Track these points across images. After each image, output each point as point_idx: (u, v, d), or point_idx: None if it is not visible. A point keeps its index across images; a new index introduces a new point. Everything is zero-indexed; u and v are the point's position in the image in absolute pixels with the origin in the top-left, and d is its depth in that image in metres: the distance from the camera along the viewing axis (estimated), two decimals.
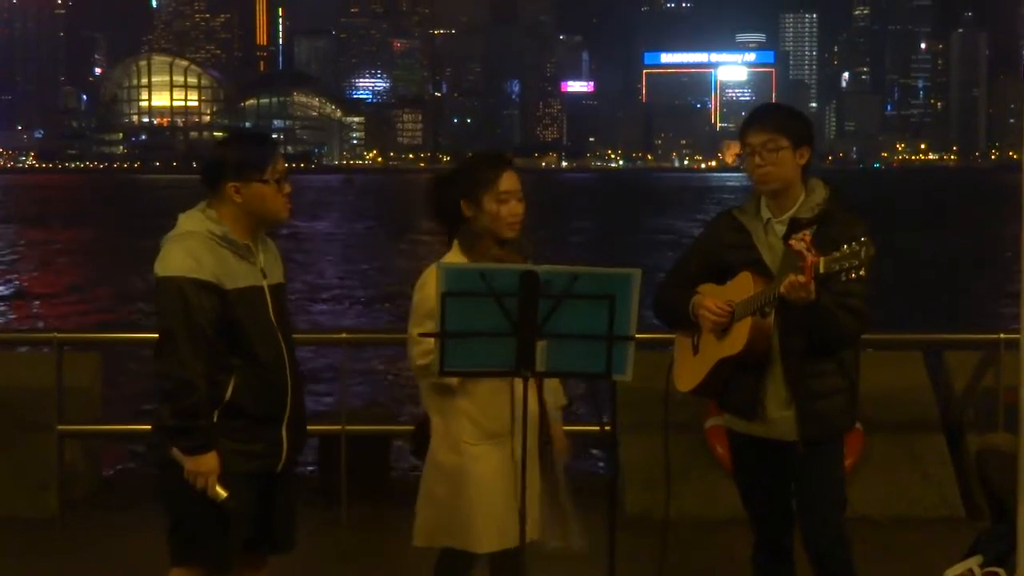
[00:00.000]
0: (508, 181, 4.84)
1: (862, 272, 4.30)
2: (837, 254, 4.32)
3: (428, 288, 4.71)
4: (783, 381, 4.75)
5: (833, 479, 4.88)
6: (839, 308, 4.60)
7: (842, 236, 4.46)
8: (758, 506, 5.03)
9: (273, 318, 4.64)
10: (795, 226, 4.70)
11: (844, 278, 4.33)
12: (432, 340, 4.64)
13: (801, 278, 4.37)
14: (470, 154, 5.31)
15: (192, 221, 4.59)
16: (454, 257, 4.87)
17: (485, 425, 4.78)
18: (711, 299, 4.79)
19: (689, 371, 4.98)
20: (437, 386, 4.80)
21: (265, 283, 4.65)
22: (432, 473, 4.89)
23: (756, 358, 4.72)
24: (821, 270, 4.35)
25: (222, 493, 4.49)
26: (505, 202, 4.82)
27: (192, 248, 4.48)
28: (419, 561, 5.04)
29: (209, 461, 4.46)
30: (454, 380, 4.71)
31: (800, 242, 4.39)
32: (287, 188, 4.64)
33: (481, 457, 4.77)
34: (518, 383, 4.64)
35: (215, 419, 4.51)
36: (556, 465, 4.92)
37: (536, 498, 4.74)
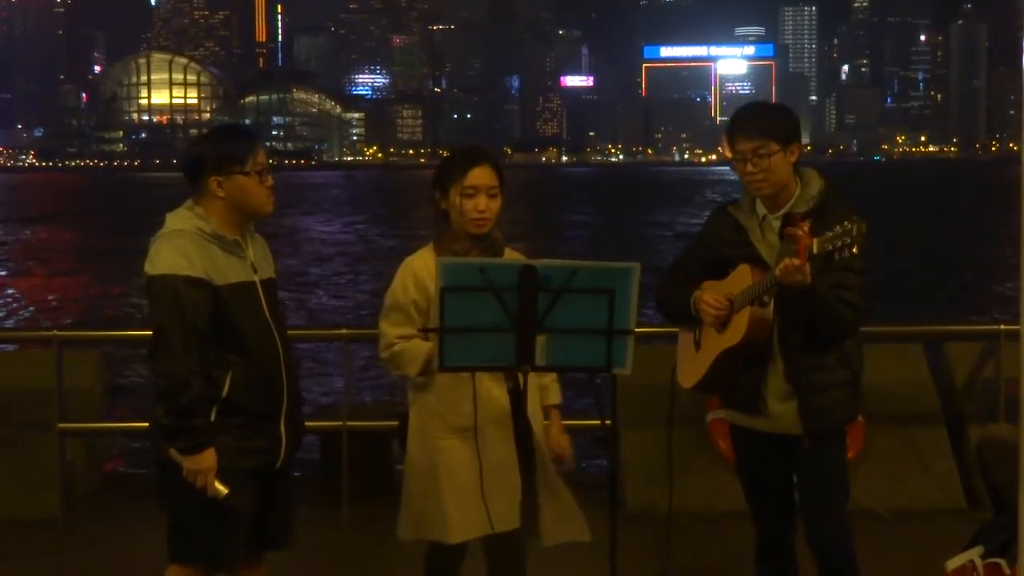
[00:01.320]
0: (477, 176, 4.78)
1: (855, 249, 4.28)
2: (830, 234, 4.31)
3: (395, 281, 4.85)
4: (783, 375, 4.74)
5: (836, 472, 4.87)
6: (836, 300, 4.59)
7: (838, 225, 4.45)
8: (761, 500, 5.02)
9: (267, 313, 4.64)
10: (790, 221, 4.68)
11: (838, 256, 4.32)
12: (391, 334, 4.71)
13: (796, 260, 4.35)
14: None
15: (180, 219, 4.58)
16: (427, 252, 4.88)
17: (452, 420, 4.78)
18: (710, 293, 4.78)
19: (691, 367, 4.97)
20: (412, 381, 4.84)
21: (256, 278, 4.65)
22: (408, 466, 4.93)
23: (756, 349, 4.70)
24: (815, 251, 4.33)
25: (222, 490, 4.48)
26: (470, 197, 4.76)
27: (181, 246, 4.48)
28: (420, 558, 5.04)
29: (207, 459, 4.45)
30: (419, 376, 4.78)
31: (797, 230, 4.38)
32: (269, 180, 4.63)
33: (448, 451, 4.78)
34: (479, 379, 4.67)
35: (214, 416, 4.50)
36: (547, 459, 4.91)
37: (513, 491, 4.73)
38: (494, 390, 4.74)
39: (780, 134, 4.72)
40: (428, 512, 4.81)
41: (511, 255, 4.84)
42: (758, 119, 4.79)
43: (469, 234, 4.79)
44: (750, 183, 4.74)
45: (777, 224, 4.76)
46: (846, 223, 4.30)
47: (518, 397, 4.75)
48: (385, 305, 4.86)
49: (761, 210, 4.82)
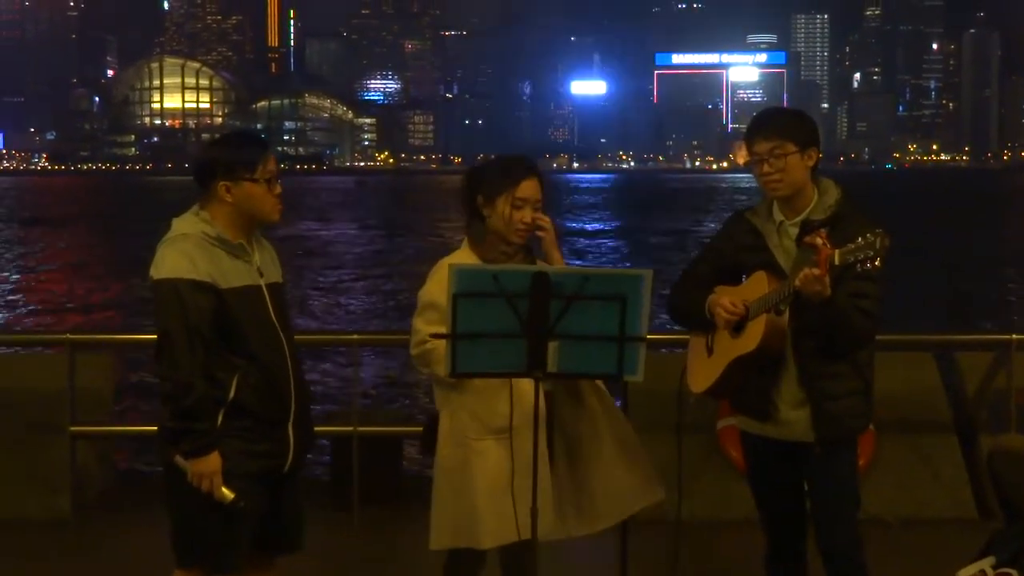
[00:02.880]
0: (527, 189, 4.85)
1: (877, 263, 4.27)
2: (852, 246, 4.30)
3: (432, 281, 4.84)
4: (796, 382, 4.74)
5: (847, 481, 4.86)
6: (853, 309, 4.59)
7: (856, 235, 4.45)
8: (772, 507, 5.02)
9: (274, 317, 4.65)
10: (808, 229, 4.69)
11: (860, 269, 4.30)
12: (424, 332, 4.72)
13: (816, 271, 4.35)
14: (492, 156, 5.35)
15: (186, 224, 4.61)
16: (463, 254, 4.91)
17: (487, 421, 4.78)
18: (727, 297, 4.79)
19: (703, 371, 4.97)
20: (443, 382, 4.82)
21: (262, 282, 4.66)
22: (439, 470, 4.90)
23: (770, 357, 4.70)
24: (836, 262, 4.33)
25: (229, 495, 4.48)
26: (519, 208, 4.83)
27: (186, 250, 4.50)
28: (431, 562, 5.04)
29: (211, 463, 4.46)
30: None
31: (816, 238, 4.38)
32: (277, 189, 4.65)
33: (483, 452, 4.78)
34: (519, 380, 4.67)
35: (220, 419, 4.51)
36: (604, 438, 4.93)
37: (545, 497, 4.70)
38: (529, 391, 4.70)
39: (798, 136, 4.74)
40: (459, 517, 4.79)
41: (544, 265, 4.82)
42: (776, 121, 4.83)
43: (510, 241, 4.84)
44: (766, 183, 4.75)
45: (794, 231, 4.76)
46: (869, 235, 4.28)
47: (545, 401, 4.74)
48: (420, 303, 4.88)
49: (778, 216, 4.82)
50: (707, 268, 4.99)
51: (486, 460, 4.77)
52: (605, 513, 4.93)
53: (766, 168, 4.74)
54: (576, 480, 4.91)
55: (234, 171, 4.58)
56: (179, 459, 4.49)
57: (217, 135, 5.18)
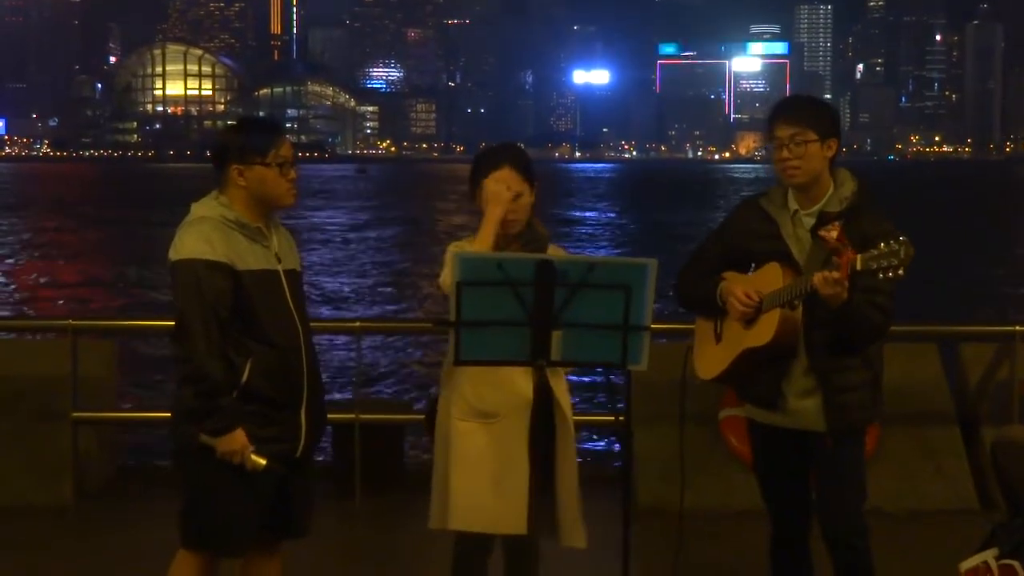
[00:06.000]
0: (499, 180, 4.79)
1: (900, 272, 4.25)
2: (876, 252, 4.28)
3: (444, 271, 4.76)
4: (805, 372, 4.73)
5: (853, 471, 4.86)
6: (867, 305, 4.56)
7: (871, 230, 4.43)
8: (777, 496, 5.01)
9: (291, 303, 4.67)
10: (824, 220, 4.67)
11: (882, 277, 4.28)
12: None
13: (836, 274, 4.33)
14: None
15: (204, 207, 4.66)
16: (465, 243, 4.88)
17: (474, 403, 4.77)
18: (740, 287, 4.77)
19: (711, 359, 4.95)
20: (447, 364, 4.81)
21: (280, 268, 4.68)
22: (434, 446, 4.91)
23: (783, 350, 4.69)
24: (859, 267, 4.31)
25: (261, 461, 4.52)
26: None
27: (205, 232, 4.54)
28: (432, 549, 5.04)
29: (239, 438, 4.50)
30: None
31: (830, 233, 4.37)
32: (292, 174, 4.70)
33: (466, 434, 4.77)
34: (508, 368, 4.64)
35: None
36: (572, 456, 4.89)
37: (524, 486, 4.48)
38: (519, 379, 4.70)
39: (819, 126, 4.73)
40: (439, 494, 4.81)
41: (555, 252, 4.81)
42: (800, 108, 4.82)
43: (505, 230, 4.80)
44: (784, 169, 4.73)
45: (809, 221, 4.74)
46: (893, 243, 4.26)
47: (541, 393, 4.70)
48: (441, 291, 4.83)
49: (793, 205, 4.80)
50: (716, 253, 4.96)
51: (465, 442, 4.76)
52: (563, 531, 4.86)
53: (785, 154, 4.72)
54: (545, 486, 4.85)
55: (246, 155, 4.64)
56: (205, 438, 4.50)
57: (221, 122, 5.20)
